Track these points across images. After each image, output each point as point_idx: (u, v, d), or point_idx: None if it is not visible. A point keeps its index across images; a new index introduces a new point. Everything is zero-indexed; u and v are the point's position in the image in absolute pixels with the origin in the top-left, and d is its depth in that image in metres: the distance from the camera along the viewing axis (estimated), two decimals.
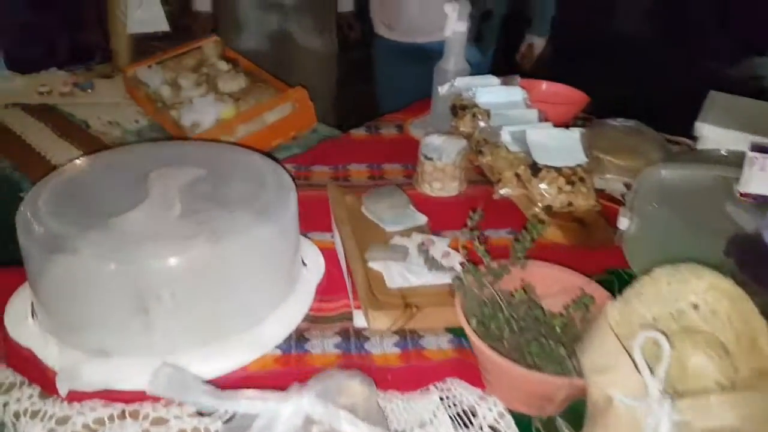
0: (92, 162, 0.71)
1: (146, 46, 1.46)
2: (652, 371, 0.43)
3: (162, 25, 1.31)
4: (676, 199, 0.75)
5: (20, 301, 0.67)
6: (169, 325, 0.61)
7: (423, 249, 0.73)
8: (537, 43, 1.73)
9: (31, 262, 0.61)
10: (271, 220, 0.63)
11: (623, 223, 0.80)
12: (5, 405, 0.57)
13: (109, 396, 0.57)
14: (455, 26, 1.03)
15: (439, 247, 0.75)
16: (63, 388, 0.56)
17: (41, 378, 0.58)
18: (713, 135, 0.94)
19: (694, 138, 0.98)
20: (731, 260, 0.54)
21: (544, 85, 1.18)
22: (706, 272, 0.49)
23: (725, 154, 0.84)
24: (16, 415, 0.55)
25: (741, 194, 0.67)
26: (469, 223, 0.61)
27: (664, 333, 0.44)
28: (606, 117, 1.07)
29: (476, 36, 1.14)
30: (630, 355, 0.44)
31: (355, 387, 0.51)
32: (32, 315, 0.65)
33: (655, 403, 0.42)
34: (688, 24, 1.83)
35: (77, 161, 0.70)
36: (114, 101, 1.31)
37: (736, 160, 0.77)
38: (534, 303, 0.60)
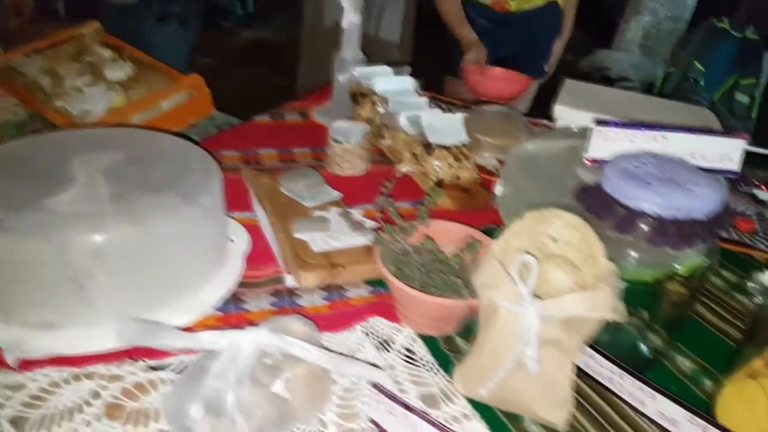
0: (16, 148, 0.76)
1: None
2: (525, 284, 0.62)
3: None
4: (538, 166, 0.97)
5: None
6: (107, 299, 0.68)
7: (346, 216, 0.87)
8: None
9: None
10: (198, 202, 0.72)
11: (498, 189, 1.01)
12: None
13: (61, 361, 0.64)
14: (351, 17, 1.18)
15: (355, 216, 0.90)
16: (12, 360, 0.62)
17: None
18: (568, 116, 1.20)
19: (552, 119, 1.23)
20: (579, 204, 0.75)
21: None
22: (562, 213, 0.70)
23: (576, 130, 1.10)
24: None
25: (587, 159, 0.90)
26: (383, 189, 0.76)
27: (532, 257, 0.63)
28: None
29: None
30: (509, 274, 0.63)
31: (299, 326, 0.64)
32: None
33: (527, 305, 0.61)
34: None
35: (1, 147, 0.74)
36: None
37: (584, 134, 1.01)
38: (436, 250, 0.78)
